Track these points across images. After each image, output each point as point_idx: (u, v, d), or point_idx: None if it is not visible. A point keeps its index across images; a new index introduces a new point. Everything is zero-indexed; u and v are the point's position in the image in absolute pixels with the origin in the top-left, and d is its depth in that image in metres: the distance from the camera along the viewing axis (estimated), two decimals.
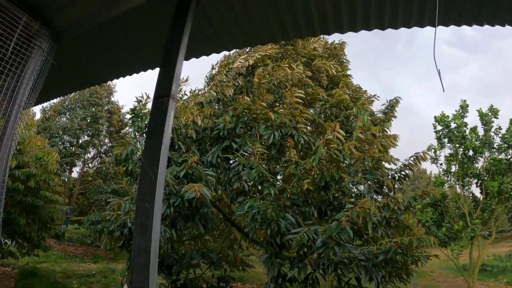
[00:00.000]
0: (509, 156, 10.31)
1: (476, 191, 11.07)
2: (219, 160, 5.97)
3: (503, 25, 2.71)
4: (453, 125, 10.91)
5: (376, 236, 5.40)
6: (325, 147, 4.96)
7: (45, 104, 17.54)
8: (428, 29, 2.89)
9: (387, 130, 7.22)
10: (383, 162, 5.97)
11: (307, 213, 5.26)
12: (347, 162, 5.42)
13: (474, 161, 10.78)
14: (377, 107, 9.74)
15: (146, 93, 6.45)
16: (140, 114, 6.32)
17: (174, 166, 5.51)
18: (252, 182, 5.47)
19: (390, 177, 5.94)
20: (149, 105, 6.41)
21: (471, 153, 10.71)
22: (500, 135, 10.48)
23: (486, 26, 2.77)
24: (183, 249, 6.14)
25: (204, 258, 5.87)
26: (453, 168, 11.16)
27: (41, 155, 8.52)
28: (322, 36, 7.76)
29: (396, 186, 6.03)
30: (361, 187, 6.16)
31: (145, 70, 3.91)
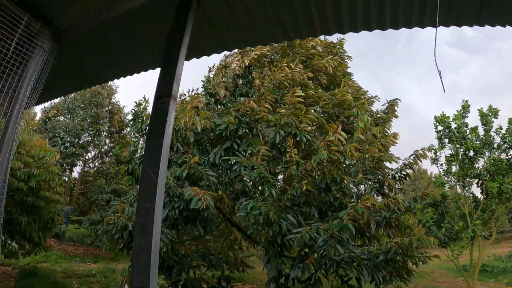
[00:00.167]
0: (509, 156, 10.30)
1: (477, 192, 11.07)
2: (220, 160, 5.98)
3: (504, 26, 2.71)
4: (453, 125, 10.91)
5: (378, 234, 5.40)
6: (326, 149, 4.97)
7: (46, 104, 17.58)
8: (429, 30, 2.89)
9: (388, 130, 7.21)
10: (384, 162, 5.97)
11: (308, 214, 5.26)
12: (347, 163, 5.42)
13: (475, 162, 10.78)
14: (377, 107, 9.74)
15: (145, 97, 6.46)
16: (140, 117, 6.33)
17: (175, 167, 5.52)
18: (252, 183, 5.48)
19: (390, 177, 5.95)
20: (149, 108, 6.44)
21: (471, 153, 10.71)
22: (500, 135, 10.47)
23: (487, 27, 2.77)
24: (184, 250, 6.14)
25: (204, 260, 5.88)
26: (454, 169, 11.16)
27: (42, 154, 8.53)
28: (323, 36, 7.76)
29: (396, 186, 6.04)
30: (362, 187, 6.17)
31: (146, 70, 3.92)
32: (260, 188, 5.23)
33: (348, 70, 8.88)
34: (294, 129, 5.52)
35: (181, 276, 5.79)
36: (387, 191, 5.90)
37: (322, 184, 5.09)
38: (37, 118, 17.33)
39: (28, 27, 1.81)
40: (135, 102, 6.43)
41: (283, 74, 6.73)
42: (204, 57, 3.67)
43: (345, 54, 9.03)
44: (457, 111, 11.02)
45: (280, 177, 6.18)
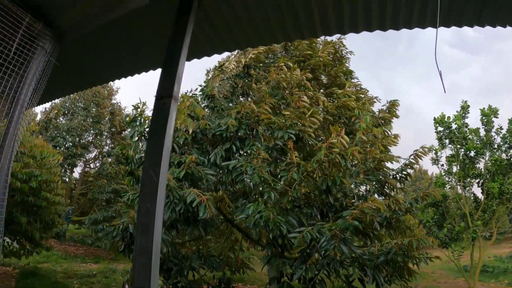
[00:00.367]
0: (509, 156, 10.30)
1: (478, 192, 11.08)
2: (222, 160, 5.99)
3: (504, 26, 2.71)
4: (454, 126, 10.91)
5: (380, 233, 5.41)
6: (327, 150, 4.97)
7: (46, 105, 17.61)
8: (431, 30, 2.89)
9: (388, 131, 7.20)
10: (385, 162, 5.98)
11: (309, 215, 5.27)
12: (349, 166, 5.43)
13: (476, 162, 10.78)
14: (378, 107, 9.73)
15: (141, 100, 6.44)
16: (137, 120, 6.32)
17: (173, 168, 5.53)
18: (253, 184, 5.48)
19: (391, 177, 5.96)
20: (147, 111, 6.43)
21: (472, 153, 10.71)
22: (501, 135, 10.48)
23: (488, 27, 2.77)
24: (184, 251, 6.14)
25: (205, 262, 5.89)
26: (454, 169, 11.16)
27: (45, 155, 8.53)
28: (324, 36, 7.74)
29: (397, 186, 6.05)
30: (363, 188, 6.18)
31: (147, 70, 3.93)
32: (261, 188, 5.22)
33: (349, 68, 8.83)
34: (298, 131, 5.53)
35: (179, 278, 5.80)
36: (388, 191, 5.90)
37: (323, 186, 5.10)
38: (37, 118, 17.33)
39: (29, 28, 1.81)
40: (133, 105, 6.41)
41: (282, 75, 6.73)
42: (205, 58, 3.68)
43: (346, 49, 8.94)
44: (457, 111, 11.03)
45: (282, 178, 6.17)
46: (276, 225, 4.64)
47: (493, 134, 10.64)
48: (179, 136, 5.94)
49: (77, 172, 19.15)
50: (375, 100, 7.92)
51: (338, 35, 8.51)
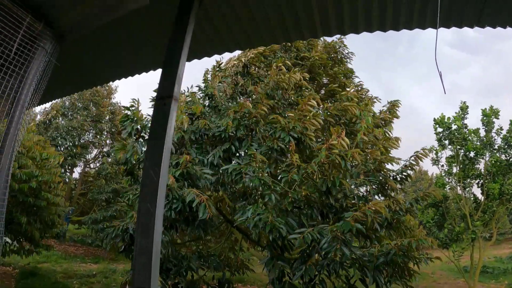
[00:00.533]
0: (508, 157, 10.30)
1: (478, 192, 11.08)
2: (220, 161, 5.98)
3: (504, 27, 2.71)
4: (453, 127, 10.91)
5: (381, 234, 5.41)
6: (327, 152, 4.97)
7: (46, 105, 17.61)
8: (430, 31, 2.89)
9: (389, 132, 7.20)
10: (385, 163, 5.98)
11: (309, 216, 5.27)
12: (349, 168, 5.42)
13: (475, 162, 10.78)
14: (378, 108, 9.72)
15: (135, 100, 6.41)
16: (129, 119, 6.30)
17: (171, 168, 5.52)
18: (253, 186, 5.47)
19: (392, 178, 5.95)
20: (142, 110, 6.41)
21: (472, 154, 10.71)
22: (501, 135, 10.47)
23: (488, 28, 2.77)
24: (184, 251, 6.14)
25: (204, 262, 5.89)
26: (454, 169, 11.16)
27: (45, 156, 8.52)
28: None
29: (398, 186, 6.05)
30: (363, 189, 6.18)
31: (147, 71, 3.93)
32: (261, 189, 5.22)
33: (350, 68, 8.83)
34: (300, 134, 5.53)
35: (179, 278, 5.79)
36: (388, 191, 5.90)
37: (323, 188, 5.10)
38: (37, 118, 17.33)
39: (30, 28, 1.81)
40: (123, 107, 6.37)
41: (281, 76, 6.72)
42: (206, 58, 3.68)
43: (347, 49, 8.93)
44: (456, 112, 11.03)
45: (282, 179, 6.17)
46: (275, 227, 4.64)
47: (493, 134, 10.64)
48: (174, 133, 5.92)
49: (77, 172, 19.17)
50: (375, 100, 7.92)
51: (339, 36, 8.53)
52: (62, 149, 16.65)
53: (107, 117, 18.65)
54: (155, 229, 1.93)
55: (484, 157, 10.65)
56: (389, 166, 6.19)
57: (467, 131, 10.75)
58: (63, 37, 2.04)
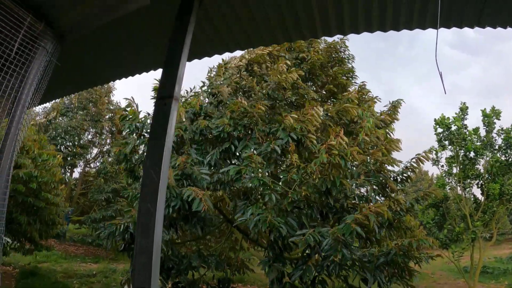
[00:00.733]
0: (508, 157, 10.30)
1: (478, 193, 11.08)
2: (220, 161, 5.99)
3: (505, 27, 2.72)
4: (453, 127, 10.91)
5: (381, 236, 5.41)
6: (327, 153, 4.97)
7: (47, 105, 17.60)
8: (430, 31, 2.89)
9: (391, 133, 7.19)
10: (386, 165, 5.97)
11: (309, 216, 5.27)
12: (349, 166, 5.42)
13: (476, 163, 10.78)
14: (378, 108, 9.72)
15: (131, 98, 6.44)
16: (129, 118, 6.33)
17: (170, 168, 5.53)
18: (253, 186, 5.48)
19: (392, 179, 5.95)
20: (140, 107, 6.45)
21: (472, 154, 10.71)
22: (502, 136, 10.47)
23: (488, 28, 2.77)
24: (184, 251, 6.14)
25: (204, 261, 5.89)
26: (454, 170, 11.16)
27: (45, 158, 8.52)
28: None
29: (398, 187, 6.05)
30: (363, 189, 6.18)
31: (147, 71, 3.93)
32: (262, 189, 5.22)
33: (351, 68, 8.81)
34: (301, 136, 5.53)
35: (179, 278, 5.79)
36: (389, 192, 5.90)
37: (322, 188, 5.10)
38: (37, 118, 17.32)
39: (31, 28, 1.81)
40: (120, 108, 6.44)
41: (283, 76, 6.72)
42: (206, 58, 3.68)
43: (348, 50, 8.92)
44: (456, 113, 11.03)
45: (282, 179, 6.17)
46: (275, 227, 4.64)
47: (493, 135, 10.64)
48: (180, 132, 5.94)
49: (77, 172, 19.17)
50: (375, 100, 7.91)
51: (340, 36, 8.52)
52: (62, 148, 16.64)
53: (106, 116, 18.62)
54: (155, 229, 1.93)
55: (484, 157, 10.65)
56: (389, 167, 6.20)
57: (467, 132, 10.75)
58: (63, 37, 2.05)
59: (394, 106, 7.59)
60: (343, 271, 4.83)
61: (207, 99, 7.38)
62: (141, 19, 2.90)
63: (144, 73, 4.03)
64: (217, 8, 2.89)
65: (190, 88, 7.70)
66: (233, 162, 6.25)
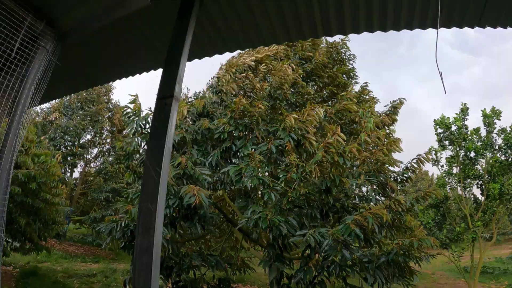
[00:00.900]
0: (508, 157, 10.29)
1: (478, 193, 11.08)
2: (221, 161, 5.99)
3: (505, 27, 2.71)
4: (453, 127, 10.90)
5: (381, 237, 5.42)
6: (325, 150, 4.97)
7: (47, 105, 17.60)
8: (431, 31, 2.89)
9: (392, 134, 7.19)
10: (386, 165, 5.98)
11: (309, 215, 5.27)
12: (348, 165, 5.42)
13: (476, 163, 10.77)
14: (379, 108, 9.71)
15: (134, 94, 6.42)
16: (132, 115, 6.32)
17: (171, 168, 5.53)
18: (252, 186, 5.48)
19: (392, 179, 5.95)
20: (143, 106, 6.45)
21: (472, 154, 10.70)
22: (502, 136, 10.46)
23: (488, 28, 2.77)
24: (184, 250, 6.14)
25: (205, 261, 5.89)
26: (454, 170, 11.15)
27: (43, 159, 8.51)
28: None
29: (398, 187, 6.05)
30: (364, 189, 6.17)
31: (147, 71, 3.92)
32: (262, 188, 5.22)
33: (350, 66, 8.82)
34: (301, 137, 5.53)
35: (180, 277, 5.79)
36: (389, 192, 5.90)
37: (322, 186, 5.10)
38: (37, 118, 17.31)
39: (31, 28, 1.81)
40: (123, 106, 6.42)
41: (286, 76, 6.72)
42: (206, 58, 3.68)
43: (349, 50, 8.92)
44: (456, 113, 11.02)
45: (281, 178, 6.17)
46: (275, 225, 4.64)
47: (494, 135, 10.63)
48: (176, 134, 5.93)
49: (77, 172, 19.17)
50: (375, 101, 7.92)
51: (342, 36, 8.53)
52: (62, 147, 16.64)
53: (106, 116, 18.61)
54: (156, 228, 1.93)
55: (484, 157, 10.64)
56: (390, 167, 6.20)
57: (468, 132, 10.74)
58: (64, 37, 2.04)
59: (394, 107, 7.59)
60: (343, 272, 4.83)
61: (213, 98, 7.34)
62: (141, 19, 2.90)
63: (145, 73, 4.03)
64: (218, 8, 2.89)
65: (196, 91, 7.72)
66: (233, 162, 6.25)
